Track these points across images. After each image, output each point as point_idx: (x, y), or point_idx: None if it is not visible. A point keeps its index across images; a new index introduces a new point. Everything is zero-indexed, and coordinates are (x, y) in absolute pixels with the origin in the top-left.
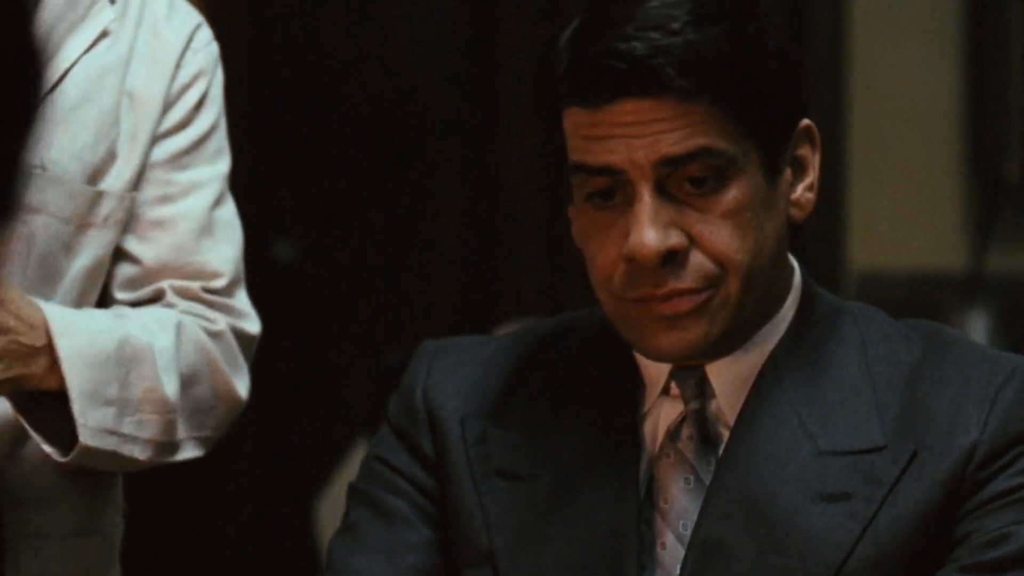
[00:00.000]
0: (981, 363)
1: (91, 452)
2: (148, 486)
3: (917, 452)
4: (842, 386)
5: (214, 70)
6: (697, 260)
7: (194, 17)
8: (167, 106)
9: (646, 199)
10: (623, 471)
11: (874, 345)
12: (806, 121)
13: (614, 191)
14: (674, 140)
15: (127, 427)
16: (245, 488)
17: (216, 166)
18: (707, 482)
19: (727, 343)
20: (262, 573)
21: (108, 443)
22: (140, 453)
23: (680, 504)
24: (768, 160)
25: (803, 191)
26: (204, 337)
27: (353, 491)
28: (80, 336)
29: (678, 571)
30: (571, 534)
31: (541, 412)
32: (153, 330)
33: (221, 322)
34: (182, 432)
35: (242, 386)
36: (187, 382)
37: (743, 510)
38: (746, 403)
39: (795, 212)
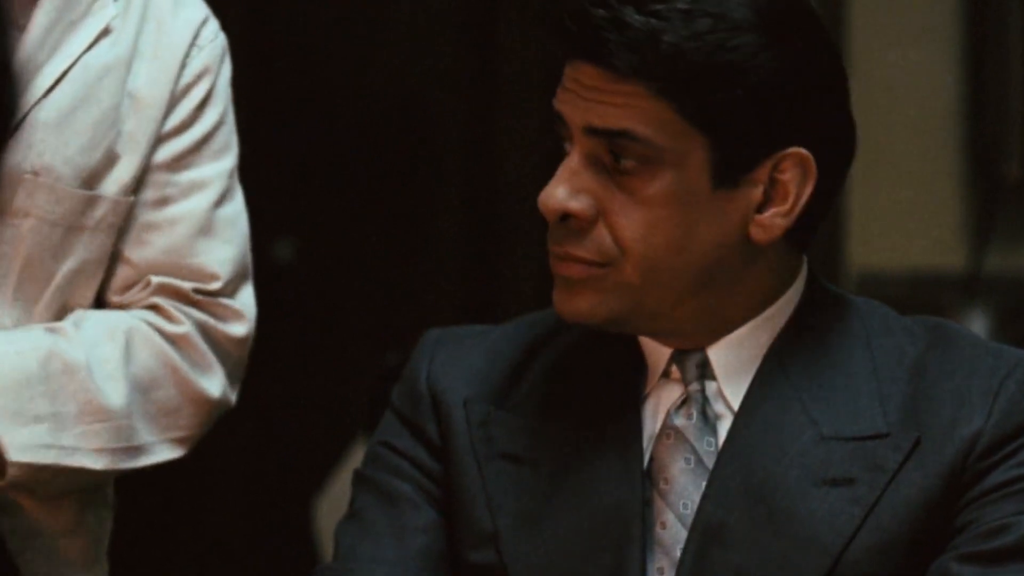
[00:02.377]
0: (985, 356)
1: (32, 469)
2: (145, 484)
3: (920, 440)
4: (846, 375)
5: (220, 65)
6: (600, 234)
7: (200, 11)
8: (171, 106)
9: (573, 158)
10: (625, 453)
11: (878, 337)
12: (801, 150)
13: (567, 142)
14: (604, 113)
15: (68, 440)
16: (243, 487)
17: (221, 162)
18: (707, 463)
19: (661, 325)
20: (260, 572)
21: (46, 457)
22: (93, 462)
23: (680, 484)
24: (721, 168)
25: (774, 216)
26: (159, 341)
27: (358, 477)
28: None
29: (678, 552)
30: (575, 516)
31: (544, 396)
32: (96, 341)
33: (186, 324)
34: (146, 436)
35: (213, 385)
36: (144, 387)
37: (745, 494)
38: (749, 389)
39: (756, 232)
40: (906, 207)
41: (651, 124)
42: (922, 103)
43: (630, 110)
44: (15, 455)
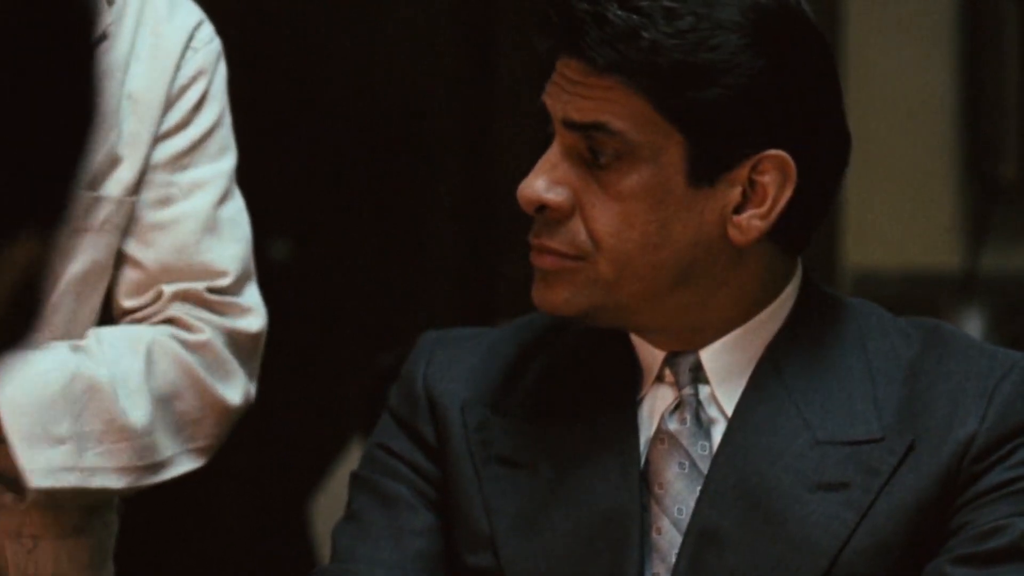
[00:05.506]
0: (980, 358)
1: (53, 492)
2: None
3: (915, 444)
4: (841, 378)
5: (215, 67)
6: (575, 227)
7: (195, 15)
8: (167, 107)
9: (553, 151)
10: (621, 457)
11: (873, 340)
12: (782, 153)
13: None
14: (581, 107)
15: (90, 460)
16: (239, 487)
17: (220, 163)
18: (701, 467)
19: (639, 321)
20: (256, 573)
21: (67, 480)
22: (116, 482)
23: (675, 489)
24: (697, 165)
25: (751, 218)
26: (181, 352)
27: (355, 479)
28: (22, 381)
29: (674, 557)
30: (572, 520)
31: (541, 399)
32: (119, 356)
33: (207, 331)
34: (169, 449)
35: (234, 392)
36: (166, 399)
37: (740, 499)
38: (744, 393)
39: (734, 234)
40: (902, 206)
41: (628, 119)
42: (918, 103)
43: (608, 104)
44: (36, 481)
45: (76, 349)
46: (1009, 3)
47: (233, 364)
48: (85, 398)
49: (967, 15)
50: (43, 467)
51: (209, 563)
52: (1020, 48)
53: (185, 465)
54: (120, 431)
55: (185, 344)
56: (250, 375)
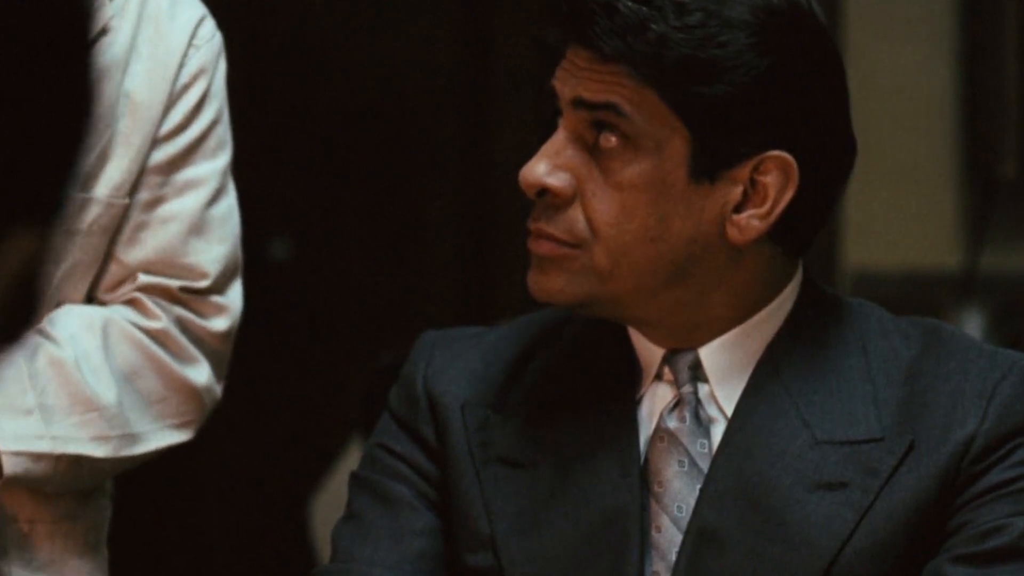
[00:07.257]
0: (979, 359)
1: (28, 460)
2: (141, 484)
3: (914, 444)
4: (840, 379)
5: (216, 65)
6: (574, 215)
7: (197, 10)
8: (168, 108)
9: (558, 135)
10: (621, 456)
11: (873, 340)
12: (785, 155)
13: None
14: (592, 87)
15: (60, 430)
16: (239, 487)
17: (216, 161)
18: (701, 465)
19: (634, 314)
20: (256, 573)
21: (39, 446)
22: (93, 450)
23: (674, 487)
24: (700, 161)
25: (751, 218)
26: (137, 334)
27: (355, 479)
28: None
29: (674, 555)
30: (572, 520)
31: (541, 399)
32: (75, 334)
33: (163, 319)
34: (140, 425)
35: (199, 374)
36: (127, 378)
37: (740, 498)
38: (744, 393)
39: (732, 232)
40: (902, 206)
41: (637, 105)
42: (918, 101)
43: (619, 88)
44: (8, 445)
45: (36, 330)
46: (1009, 3)
47: (193, 350)
48: (49, 372)
49: (967, 15)
50: (12, 434)
51: (208, 562)
52: (1020, 47)
53: (167, 438)
54: (87, 403)
55: (141, 329)
56: (215, 371)
